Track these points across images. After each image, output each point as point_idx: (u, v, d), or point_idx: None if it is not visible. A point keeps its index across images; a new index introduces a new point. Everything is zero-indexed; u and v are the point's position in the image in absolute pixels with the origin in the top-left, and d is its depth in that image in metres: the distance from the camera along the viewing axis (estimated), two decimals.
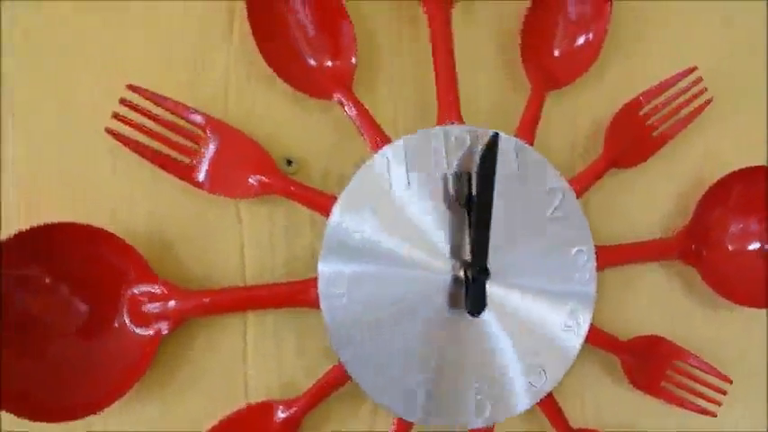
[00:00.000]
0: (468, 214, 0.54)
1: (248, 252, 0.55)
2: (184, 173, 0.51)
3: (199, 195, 0.53)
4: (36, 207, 0.51)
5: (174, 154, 0.51)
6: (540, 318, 0.56)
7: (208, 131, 0.51)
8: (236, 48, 0.55)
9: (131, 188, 0.52)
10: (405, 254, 0.53)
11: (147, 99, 0.50)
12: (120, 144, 0.50)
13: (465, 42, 0.58)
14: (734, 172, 0.61)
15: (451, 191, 0.54)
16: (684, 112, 0.62)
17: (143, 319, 0.50)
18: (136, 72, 0.52)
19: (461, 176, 0.54)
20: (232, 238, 0.55)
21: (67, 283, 0.48)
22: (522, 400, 0.56)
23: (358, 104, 0.54)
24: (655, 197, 0.64)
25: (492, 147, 0.52)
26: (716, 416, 0.61)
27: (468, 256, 0.53)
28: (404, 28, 0.59)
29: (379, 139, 0.54)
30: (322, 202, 0.52)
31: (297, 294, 0.52)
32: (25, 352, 0.46)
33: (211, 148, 0.52)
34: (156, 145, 0.51)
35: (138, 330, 0.50)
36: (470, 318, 0.53)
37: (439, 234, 0.54)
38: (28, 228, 0.46)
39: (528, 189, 0.56)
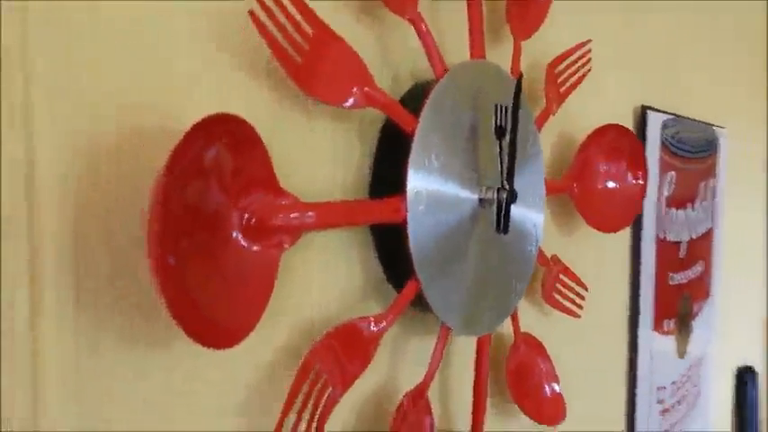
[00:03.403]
0: (500, 143, 0.60)
1: (319, 169, 0.52)
2: (295, 71, 0.46)
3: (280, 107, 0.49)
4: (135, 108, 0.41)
5: (290, 50, 0.46)
6: (523, 234, 0.65)
7: (321, 37, 0.47)
8: None
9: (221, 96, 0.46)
10: (460, 179, 0.57)
11: None
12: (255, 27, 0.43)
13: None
14: (603, 126, 0.79)
15: (491, 121, 0.59)
16: (577, 75, 0.77)
17: (266, 232, 0.44)
18: None
19: (498, 108, 0.60)
20: (307, 153, 0.51)
21: (221, 185, 0.40)
22: (510, 308, 0.65)
23: (426, 27, 0.55)
24: (548, 143, 0.78)
25: (520, 85, 0.59)
26: (579, 317, 0.79)
27: (496, 181, 0.60)
28: None
29: (442, 64, 0.56)
30: (408, 121, 0.53)
31: (388, 209, 0.52)
32: (193, 262, 0.38)
33: (321, 53, 0.48)
34: (278, 35, 0.45)
35: (260, 244, 0.44)
36: (495, 237, 0.60)
37: (475, 160, 0.59)
38: (214, 115, 0.38)
39: (520, 127, 0.64)
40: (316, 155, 0.52)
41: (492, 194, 0.59)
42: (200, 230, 0.39)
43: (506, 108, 0.60)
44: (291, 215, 0.45)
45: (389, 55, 0.58)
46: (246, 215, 0.42)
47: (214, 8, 0.45)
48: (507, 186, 0.59)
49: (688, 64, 1.19)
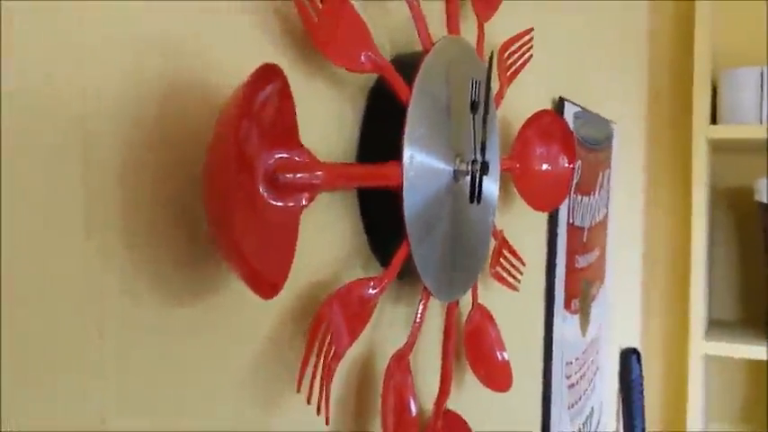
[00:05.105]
0: (474, 117, 0.63)
1: (314, 132, 0.53)
2: (313, 29, 0.47)
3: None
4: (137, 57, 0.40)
5: (310, 10, 0.47)
6: (486, 205, 0.69)
7: (334, 1, 0.49)
8: None
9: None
10: (439, 151, 0.59)
11: None
12: None
13: None
14: (539, 112, 0.84)
15: (464, 96, 0.62)
16: (520, 61, 0.82)
17: (285, 187, 0.44)
18: None
19: (474, 84, 0.63)
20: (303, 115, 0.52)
21: (259, 132, 0.40)
22: (476, 275, 0.68)
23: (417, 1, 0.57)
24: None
25: (492, 61, 0.63)
26: (518, 290, 0.84)
27: (469, 155, 0.63)
28: None
29: (429, 38, 0.59)
30: (404, 90, 0.55)
31: (388, 173, 0.53)
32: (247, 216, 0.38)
33: (335, 16, 0.49)
34: None
35: (282, 199, 0.44)
36: (464, 207, 0.63)
37: (450, 134, 0.62)
38: (270, 63, 0.38)
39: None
40: (310, 118, 0.52)
41: (466, 166, 0.62)
42: (244, 175, 0.39)
43: (480, 84, 0.63)
44: (302, 174, 0.45)
45: (372, 25, 0.60)
46: (271, 167, 0.43)
47: None
48: (480, 158, 0.62)
49: (593, 66, 1.28)
